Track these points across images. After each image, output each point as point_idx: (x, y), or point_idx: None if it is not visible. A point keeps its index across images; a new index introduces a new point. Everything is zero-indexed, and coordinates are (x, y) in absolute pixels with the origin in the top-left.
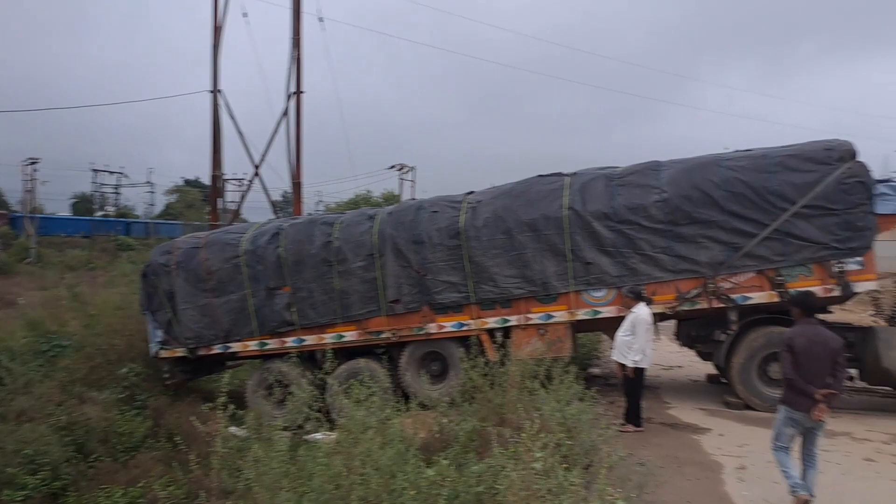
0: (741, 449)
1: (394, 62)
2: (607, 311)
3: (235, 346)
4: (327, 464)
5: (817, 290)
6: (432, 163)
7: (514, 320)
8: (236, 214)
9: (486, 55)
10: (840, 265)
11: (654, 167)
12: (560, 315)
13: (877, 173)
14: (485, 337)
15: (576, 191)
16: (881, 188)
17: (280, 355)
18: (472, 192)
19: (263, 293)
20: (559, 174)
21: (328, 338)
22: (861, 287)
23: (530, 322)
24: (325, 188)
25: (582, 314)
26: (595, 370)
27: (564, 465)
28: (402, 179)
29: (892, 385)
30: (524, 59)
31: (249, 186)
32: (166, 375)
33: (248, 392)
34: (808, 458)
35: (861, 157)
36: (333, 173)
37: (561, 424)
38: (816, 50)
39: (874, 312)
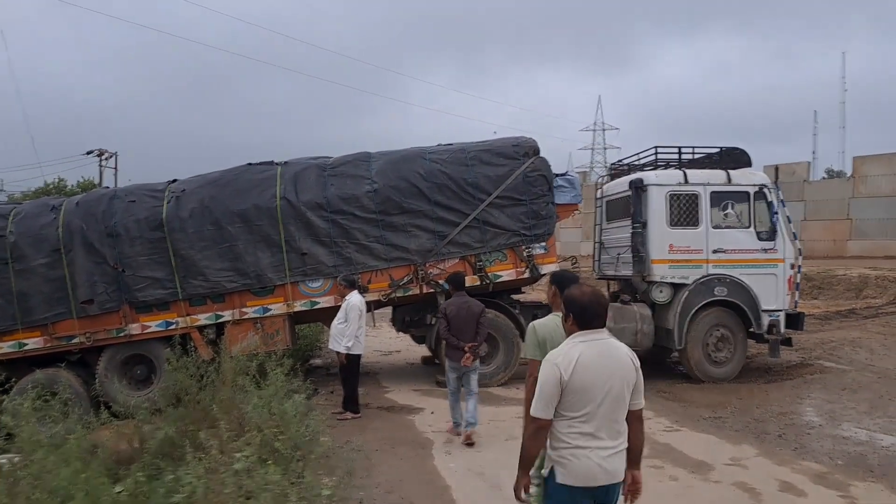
0: (449, 423)
1: (88, 39)
2: (325, 301)
3: None
4: None
5: (511, 272)
6: (140, 150)
7: (227, 315)
8: None
9: (195, 35)
10: (528, 250)
11: (364, 158)
12: (277, 307)
13: (556, 168)
14: (196, 335)
15: (288, 180)
16: (559, 181)
17: None
18: (175, 181)
19: None
20: (270, 163)
21: (6, 346)
22: (546, 269)
23: (246, 316)
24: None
25: (299, 305)
26: (317, 361)
27: (270, 462)
28: (102, 167)
29: None
30: (240, 45)
31: None
32: None
33: None
34: (468, 392)
35: (544, 154)
36: (19, 160)
37: (271, 420)
38: (505, 57)
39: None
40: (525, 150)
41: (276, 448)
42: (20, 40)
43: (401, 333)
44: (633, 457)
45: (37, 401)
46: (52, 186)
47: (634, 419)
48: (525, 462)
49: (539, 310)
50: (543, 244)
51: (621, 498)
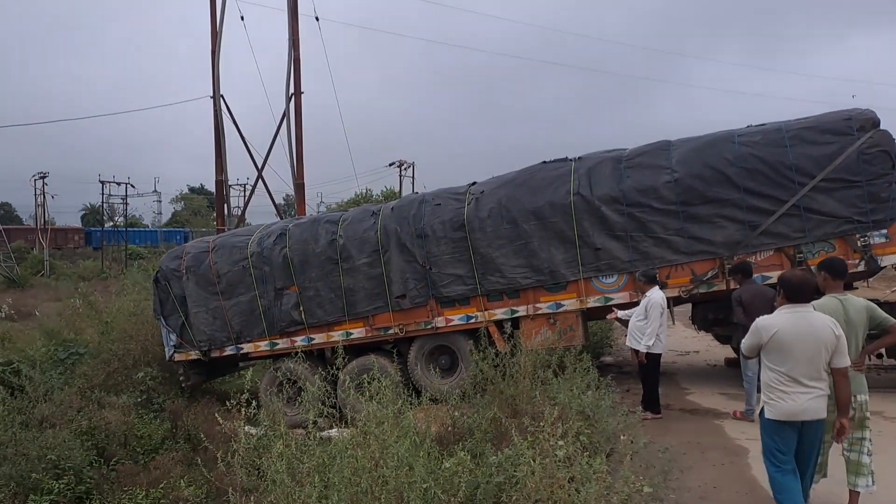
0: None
1: (384, 58)
2: (619, 298)
3: (247, 347)
4: (352, 456)
5: None
6: (430, 159)
7: (522, 310)
8: (241, 218)
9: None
10: (864, 239)
11: (663, 147)
12: (570, 303)
13: None
14: (493, 329)
15: (582, 175)
16: None
17: (290, 354)
18: (475, 183)
19: (272, 294)
20: (564, 160)
21: (336, 335)
22: (887, 261)
23: (539, 312)
24: (326, 188)
25: (593, 301)
26: (608, 359)
27: (586, 454)
28: (401, 176)
29: None
30: (509, 48)
31: (253, 190)
32: (181, 378)
33: (261, 391)
34: None
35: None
36: (334, 174)
37: (580, 413)
38: (805, 22)
39: None
40: (861, 124)
41: (586, 441)
42: (342, 69)
43: (700, 332)
44: (840, 406)
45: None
46: (360, 196)
47: (838, 375)
48: None
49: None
50: (884, 231)
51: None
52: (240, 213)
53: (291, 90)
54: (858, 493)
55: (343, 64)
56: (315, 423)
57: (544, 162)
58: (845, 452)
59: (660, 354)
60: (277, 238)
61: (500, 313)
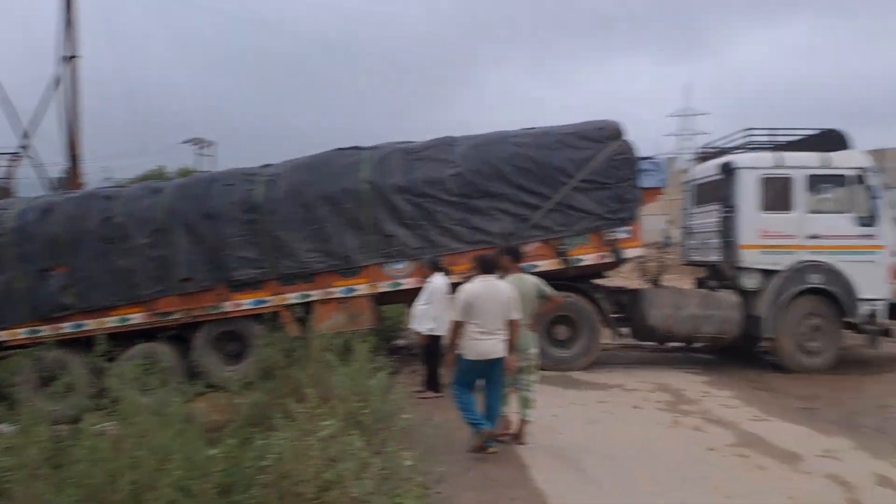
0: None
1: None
2: (408, 283)
3: (2, 335)
4: (94, 447)
5: (593, 256)
6: (233, 140)
7: (315, 295)
8: (6, 191)
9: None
10: (612, 234)
11: (448, 142)
12: (362, 288)
13: (642, 152)
14: (285, 313)
15: (375, 164)
16: (645, 164)
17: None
18: (268, 165)
19: (34, 274)
20: (357, 148)
21: (111, 321)
22: (630, 253)
23: (332, 296)
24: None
25: (383, 286)
26: (401, 342)
27: (354, 433)
28: (199, 155)
29: (658, 340)
30: (329, 36)
31: (19, 159)
32: None
33: (19, 385)
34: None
35: (627, 137)
36: (123, 150)
37: (355, 394)
38: (580, 46)
39: (641, 276)
40: (609, 133)
41: (360, 420)
42: (132, 43)
43: None
44: (512, 347)
45: (138, 370)
46: (153, 174)
47: (513, 326)
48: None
49: (622, 294)
50: (627, 228)
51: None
52: (4, 184)
53: (65, 53)
54: (527, 421)
55: (133, 37)
56: (80, 417)
57: (339, 149)
58: (519, 391)
59: (440, 336)
60: (42, 213)
61: (292, 297)
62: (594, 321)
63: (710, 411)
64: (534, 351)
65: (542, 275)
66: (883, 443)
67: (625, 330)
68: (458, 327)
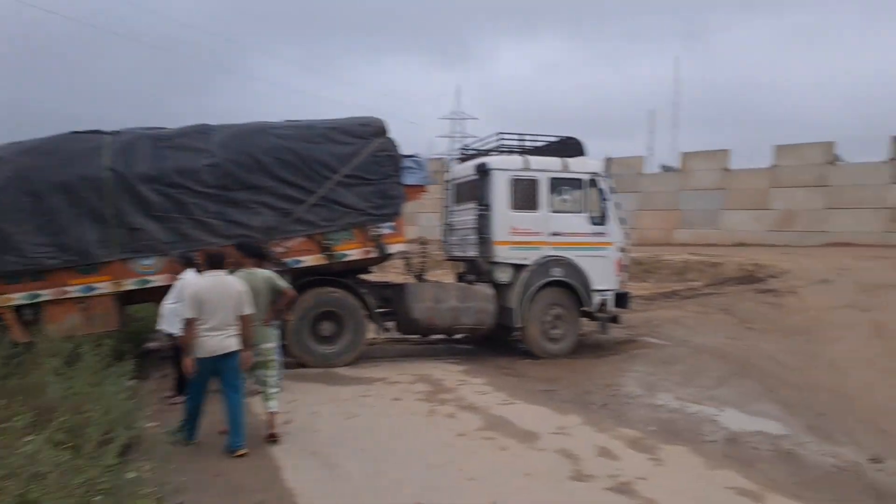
0: (289, 405)
1: None
2: (158, 280)
3: None
4: None
5: (358, 252)
6: None
7: (47, 294)
8: None
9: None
10: (376, 230)
11: (204, 130)
12: (104, 286)
13: (415, 151)
14: (8, 315)
15: (118, 150)
16: (408, 162)
17: None
18: None
19: None
20: (98, 132)
21: None
22: (394, 249)
23: (68, 295)
24: None
25: (129, 284)
26: (153, 344)
27: (70, 445)
28: None
29: (421, 333)
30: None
31: None
32: None
33: None
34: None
35: (402, 139)
36: None
37: (79, 403)
38: (353, 45)
39: (406, 271)
40: (373, 130)
41: (83, 432)
42: None
43: None
44: (246, 342)
45: None
46: None
47: (245, 321)
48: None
49: (387, 289)
50: (391, 224)
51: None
52: None
53: None
54: (273, 413)
55: None
56: None
57: (74, 132)
58: (259, 387)
59: None
60: None
61: (18, 297)
62: (359, 316)
63: (464, 398)
64: (270, 346)
65: (306, 270)
66: (606, 418)
67: (391, 324)
68: (190, 325)
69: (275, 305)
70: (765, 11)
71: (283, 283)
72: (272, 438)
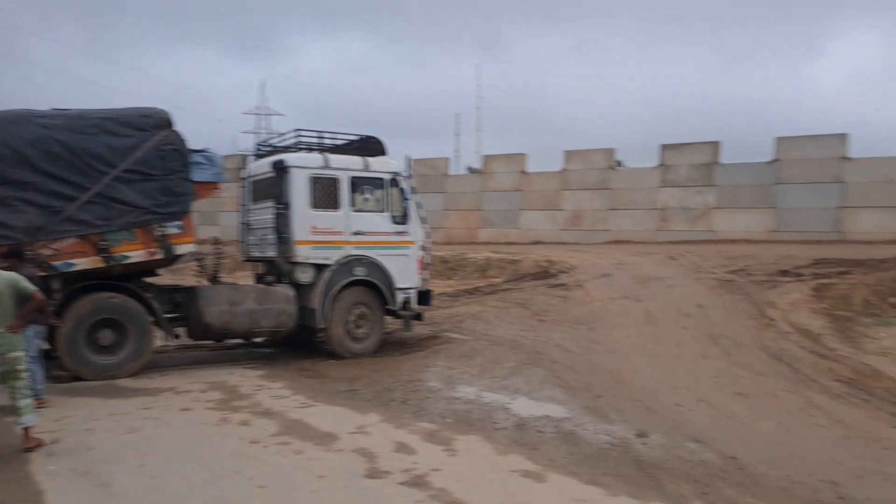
0: (60, 423)
1: None
2: None
3: None
4: None
5: (141, 253)
6: None
7: None
8: None
9: None
10: (161, 229)
11: None
12: None
13: (204, 144)
14: None
15: None
16: (197, 157)
17: None
18: None
19: None
20: None
21: None
22: (182, 249)
23: None
24: None
25: None
26: None
27: None
28: None
29: (214, 338)
30: None
31: None
32: None
33: None
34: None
35: (204, 133)
36: None
37: None
38: (147, 31)
39: (198, 273)
40: (155, 122)
41: None
42: None
43: None
44: None
45: None
46: None
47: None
48: None
49: (176, 293)
50: (179, 223)
51: None
52: None
53: None
54: (26, 427)
55: None
56: None
57: None
58: (12, 402)
59: None
60: None
61: None
62: (144, 323)
63: (261, 404)
64: (18, 354)
65: (82, 274)
66: (405, 413)
67: (182, 330)
68: None
69: (22, 310)
70: (557, 25)
71: (29, 287)
72: (30, 450)
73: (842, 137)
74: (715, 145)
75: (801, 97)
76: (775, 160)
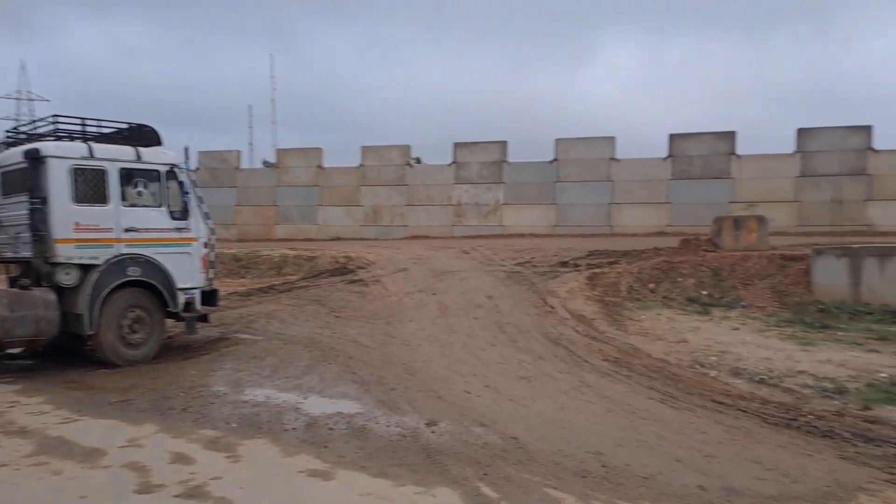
0: None
1: None
2: None
3: None
4: None
5: None
6: None
7: None
8: None
9: None
10: None
11: None
12: None
13: None
14: None
15: None
16: None
17: None
18: None
19: None
20: None
21: None
22: None
23: None
24: None
25: None
26: None
27: None
28: None
29: None
30: None
31: None
32: None
33: None
34: None
35: None
36: None
37: None
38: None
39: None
40: None
41: None
42: None
43: None
44: None
45: None
46: None
47: None
48: None
49: None
50: None
51: None
52: None
53: None
54: None
55: None
56: None
57: None
58: None
59: None
60: None
61: None
62: None
63: (14, 423)
64: None
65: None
66: (185, 421)
67: None
68: None
69: None
70: (348, 21)
71: None
72: None
73: (610, 140)
74: (503, 145)
75: (576, 101)
76: (555, 160)
